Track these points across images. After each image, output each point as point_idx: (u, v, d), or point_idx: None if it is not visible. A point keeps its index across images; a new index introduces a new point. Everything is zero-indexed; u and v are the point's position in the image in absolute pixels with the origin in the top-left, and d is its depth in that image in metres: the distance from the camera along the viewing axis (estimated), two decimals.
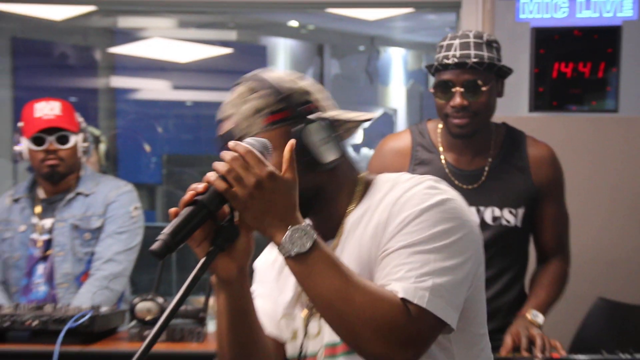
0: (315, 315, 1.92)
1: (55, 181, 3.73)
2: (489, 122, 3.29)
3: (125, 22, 7.73)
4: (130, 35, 7.77)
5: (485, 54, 3.15)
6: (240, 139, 1.78)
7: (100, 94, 7.88)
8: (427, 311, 1.70)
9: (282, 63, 8.58)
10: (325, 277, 1.70)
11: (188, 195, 1.66)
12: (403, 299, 1.70)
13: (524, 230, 3.32)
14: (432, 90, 3.26)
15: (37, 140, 3.65)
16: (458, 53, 3.14)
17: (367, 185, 1.95)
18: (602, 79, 4.47)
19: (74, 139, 3.70)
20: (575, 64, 4.46)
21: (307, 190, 1.82)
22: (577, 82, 4.47)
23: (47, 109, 3.67)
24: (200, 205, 1.64)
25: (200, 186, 1.66)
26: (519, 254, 3.37)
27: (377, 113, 9.16)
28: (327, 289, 1.70)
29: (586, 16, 4.47)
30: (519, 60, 4.49)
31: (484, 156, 3.30)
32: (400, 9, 5.89)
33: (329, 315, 1.74)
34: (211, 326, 3.32)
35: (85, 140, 3.77)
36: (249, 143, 1.72)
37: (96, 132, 4.79)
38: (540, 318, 3.18)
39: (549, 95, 4.48)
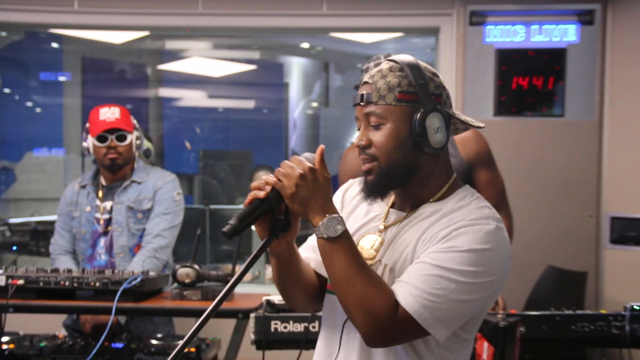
0: None
1: (114, 171, 3.75)
2: None
3: (171, 44, 7.74)
4: (175, 55, 7.77)
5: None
6: (373, 103, 1.81)
7: (150, 102, 7.89)
8: (414, 320, 1.70)
9: (295, 77, 8.57)
10: (342, 261, 1.73)
11: (261, 193, 1.72)
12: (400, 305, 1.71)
13: None
14: None
15: (101, 139, 3.68)
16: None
17: (452, 187, 1.90)
18: (552, 90, 4.46)
19: (130, 137, 3.73)
20: (530, 78, 4.46)
21: (407, 166, 1.83)
22: (532, 92, 4.46)
23: (109, 113, 3.71)
24: (263, 201, 1.71)
25: (267, 187, 1.73)
26: None
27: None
28: (340, 270, 1.73)
29: (539, 40, 4.48)
30: (485, 74, 4.48)
31: None
32: (390, 33, 5.88)
33: (336, 290, 1.77)
34: (237, 288, 3.31)
35: (138, 138, 3.80)
36: (304, 156, 1.78)
37: (147, 144, 4.81)
38: None
39: (509, 103, 4.47)
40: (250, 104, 8.51)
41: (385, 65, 1.85)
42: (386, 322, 1.70)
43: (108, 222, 3.75)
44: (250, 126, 8.57)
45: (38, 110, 7.50)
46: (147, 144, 4.66)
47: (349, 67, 8.53)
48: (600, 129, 4.42)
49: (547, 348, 3.21)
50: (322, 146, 1.79)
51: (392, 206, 1.94)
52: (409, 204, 1.90)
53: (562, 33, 4.45)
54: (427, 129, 1.79)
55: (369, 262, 1.85)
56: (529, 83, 4.47)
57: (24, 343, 3.25)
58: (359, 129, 1.87)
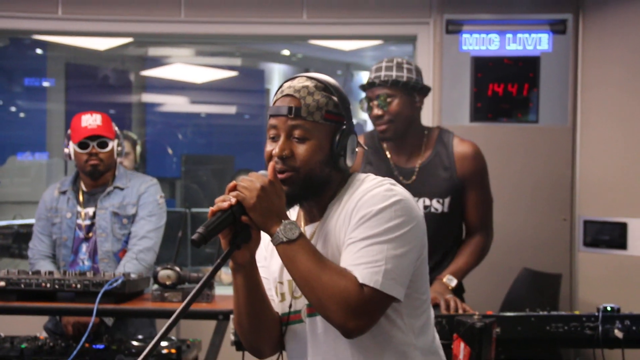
0: None
1: (95, 178, 3.69)
2: (413, 129, 3.28)
3: (154, 51, 7.73)
4: (157, 61, 7.75)
5: (393, 73, 3.17)
6: (302, 118, 1.86)
7: (133, 107, 7.85)
8: (379, 291, 1.76)
9: (276, 83, 8.56)
10: (304, 260, 1.78)
11: (225, 203, 1.76)
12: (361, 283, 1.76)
13: (451, 214, 3.30)
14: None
15: (82, 145, 3.62)
16: (374, 75, 3.21)
17: (346, 181, 1.97)
18: (526, 97, 4.48)
19: (111, 144, 3.67)
20: (505, 85, 4.47)
21: (322, 180, 1.91)
22: (507, 99, 4.47)
23: (91, 120, 3.64)
24: (226, 212, 1.76)
25: (233, 200, 1.77)
26: (448, 235, 3.34)
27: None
28: (303, 269, 1.78)
29: (513, 48, 4.50)
30: (462, 82, 4.49)
31: (417, 156, 3.30)
32: (369, 41, 5.89)
33: (304, 289, 1.81)
34: (217, 290, 3.30)
35: (119, 144, 3.75)
36: (261, 173, 1.83)
37: (134, 136, 4.76)
38: (454, 282, 3.17)
39: (485, 109, 4.47)
40: (232, 109, 8.51)
41: (309, 82, 1.91)
42: (357, 302, 1.75)
43: (90, 228, 3.70)
44: (232, 131, 8.56)
45: (22, 115, 7.44)
46: (139, 147, 4.64)
47: (329, 73, 8.40)
48: (574, 135, 4.43)
49: (522, 348, 3.20)
50: (273, 162, 1.85)
51: (305, 223, 2.00)
52: (317, 211, 1.97)
53: (536, 42, 4.46)
54: (347, 149, 1.90)
55: None
56: (504, 90, 4.48)
57: (4, 345, 3.19)
58: (272, 137, 1.90)
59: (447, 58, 4.49)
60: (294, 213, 2.02)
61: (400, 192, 1.86)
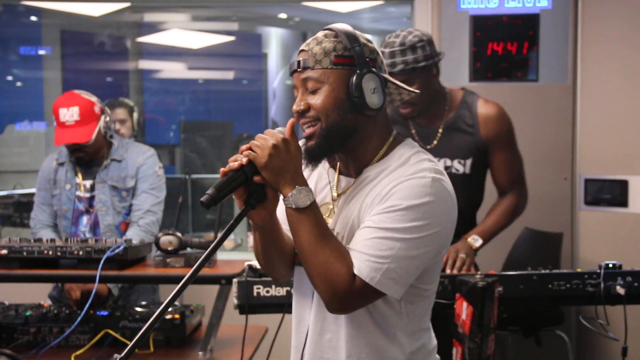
0: None
1: (82, 165, 3.67)
2: (434, 98, 3.24)
3: (150, 16, 7.65)
4: (154, 27, 7.69)
5: (409, 57, 3.08)
6: (310, 68, 1.82)
7: (130, 74, 7.80)
8: (371, 286, 1.74)
9: (274, 48, 8.51)
10: (307, 232, 1.76)
11: (235, 163, 1.73)
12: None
13: (472, 176, 3.30)
14: None
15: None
16: (388, 61, 3.07)
17: (393, 144, 1.92)
18: (526, 55, 4.45)
19: (93, 134, 3.57)
20: (504, 44, 4.44)
21: (346, 128, 1.85)
22: (506, 58, 4.45)
23: (67, 116, 3.52)
24: (238, 172, 1.72)
25: (244, 159, 1.73)
26: (468, 198, 3.35)
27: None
28: (305, 240, 1.76)
29: (512, 6, 4.46)
30: (460, 41, 4.46)
31: (440, 118, 3.28)
32: (366, 2, 5.84)
33: (301, 258, 1.80)
34: (219, 255, 3.30)
35: (106, 122, 3.65)
36: (278, 130, 1.79)
37: (130, 103, 4.72)
38: (478, 242, 3.17)
39: (484, 68, 4.45)
40: (229, 75, 8.47)
41: (320, 33, 1.88)
42: (344, 291, 1.74)
43: (91, 200, 3.69)
44: (230, 97, 8.52)
45: (19, 84, 7.40)
46: (136, 114, 4.61)
47: None
48: (574, 93, 4.42)
49: (524, 306, 3.22)
50: (292, 119, 1.81)
51: (340, 173, 1.97)
52: (353, 168, 1.93)
53: None
54: (364, 91, 1.81)
55: None
56: (503, 49, 4.45)
57: (9, 312, 3.22)
58: (295, 97, 1.88)
59: (445, 17, 4.46)
60: (326, 166, 2.00)
61: (438, 191, 1.78)
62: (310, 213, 1.76)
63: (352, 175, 1.93)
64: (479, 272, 2.93)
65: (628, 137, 4.30)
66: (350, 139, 1.86)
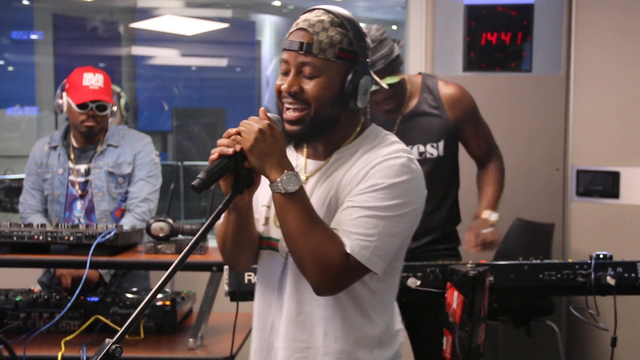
0: None
1: (89, 138, 3.65)
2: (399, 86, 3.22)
3: (144, 2, 7.65)
4: (147, 13, 7.66)
5: (384, 51, 3.05)
6: (313, 55, 1.81)
7: (123, 60, 7.78)
8: (361, 264, 1.77)
9: (268, 35, 8.50)
10: (297, 216, 1.76)
11: (229, 150, 1.72)
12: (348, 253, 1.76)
13: (446, 158, 3.29)
14: None
15: (82, 105, 3.54)
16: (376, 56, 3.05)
17: (362, 129, 1.95)
18: (520, 45, 4.45)
19: (109, 108, 3.61)
20: (498, 34, 4.44)
21: (331, 119, 1.87)
22: (500, 48, 4.44)
23: (93, 80, 3.55)
24: (230, 157, 1.72)
25: (238, 147, 1.73)
26: (444, 178, 3.34)
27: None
28: (294, 224, 1.76)
29: None
30: (454, 30, 4.45)
31: (405, 104, 3.26)
32: None
33: (289, 243, 1.81)
34: (210, 242, 3.29)
35: (113, 104, 3.68)
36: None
37: (117, 89, 4.70)
38: (494, 216, 3.20)
39: (478, 58, 4.45)
40: (223, 62, 8.45)
41: (325, 17, 1.84)
42: (338, 271, 1.76)
43: (84, 185, 3.66)
44: (223, 84, 8.51)
45: (10, 69, 7.37)
46: (122, 100, 4.58)
47: None
48: (567, 84, 4.42)
49: (515, 296, 3.23)
50: (262, 108, 1.81)
51: (308, 157, 1.98)
52: (323, 151, 1.94)
53: None
54: (359, 90, 1.85)
55: None
56: (497, 39, 4.45)
57: None
58: (283, 72, 1.86)
59: (439, 6, 4.45)
60: (290, 149, 2.00)
61: (415, 169, 1.85)
62: (299, 197, 1.76)
63: (320, 158, 1.95)
64: (470, 262, 2.94)
65: (620, 129, 4.31)
66: (331, 129, 1.89)
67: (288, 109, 1.85)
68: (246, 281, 2.89)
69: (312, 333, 1.90)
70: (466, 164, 3.42)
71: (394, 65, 3.11)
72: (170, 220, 3.18)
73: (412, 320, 3.37)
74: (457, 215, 3.41)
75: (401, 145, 1.89)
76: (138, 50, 8.03)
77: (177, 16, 7.65)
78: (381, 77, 3.02)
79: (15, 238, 3.02)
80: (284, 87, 1.84)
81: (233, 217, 1.88)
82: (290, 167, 1.77)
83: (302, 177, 1.93)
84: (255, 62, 8.39)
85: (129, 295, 3.23)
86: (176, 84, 8.34)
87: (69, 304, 3.00)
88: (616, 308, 2.88)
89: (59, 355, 2.87)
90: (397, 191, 1.79)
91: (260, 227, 1.97)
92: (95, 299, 3.17)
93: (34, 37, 7.13)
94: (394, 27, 7.16)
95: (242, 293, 2.87)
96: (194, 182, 1.67)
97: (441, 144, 3.26)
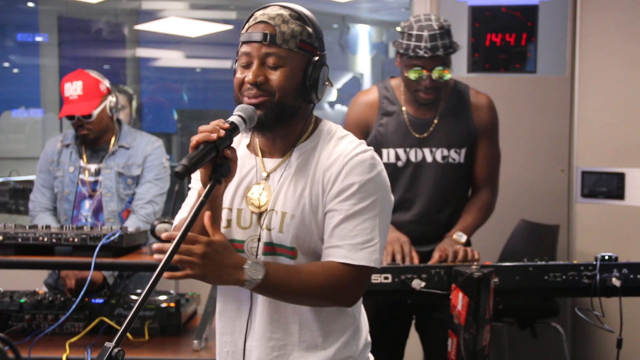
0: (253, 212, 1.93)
1: (90, 144, 3.65)
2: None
3: (148, 4, 7.65)
4: (151, 15, 7.67)
5: (447, 42, 3.12)
6: (276, 45, 1.83)
7: (127, 62, 7.78)
8: (368, 267, 1.84)
9: None
10: (285, 288, 1.80)
11: (213, 135, 1.71)
12: (347, 264, 1.82)
13: (466, 165, 3.30)
14: (399, 66, 3.22)
15: (68, 117, 3.57)
16: (429, 45, 3.08)
17: (316, 123, 1.98)
18: (524, 47, 4.43)
19: (96, 111, 3.56)
20: (503, 35, 4.42)
21: (291, 109, 1.88)
22: (505, 49, 4.43)
23: (71, 90, 3.55)
24: (211, 145, 1.71)
25: (222, 132, 1.72)
26: (462, 186, 3.35)
27: (346, 77, 9.17)
28: (293, 288, 1.81)
29: None
30: (459, 32, 4.42)
31: (436, 108, 3.27)
32: None
33: (301, 302, 1.87)
34: None
35: (112, 102, 3.65)
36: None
37: (130, 90, 4.72)
38: (463, 238, 3.17)
39: (483, 59, 4.43)
40: (227, 64, 8.42)
41: (283, 11, 1.88)
42: (352, 290, 1.86)
43: (94, 185, 3.66)
44: (227, 86, 8.45)
45: (15, 71, 7.38)
46: (135, 102, 4.59)
47: (324, 26, 8.44)
48: (572, 85, 4.40)
49: (520, 298, 3.22)
50: (208, 212, 1.76)
51: (263, 156, 1.98)
52: (280, 147, 1.95)
53: None
54: (319, 81, 1.89)
55: (261, 211, 1.90)
56: (501, 40, 4.43)
57: (4, 299, 3.21)
58: (244, 65, 1.87)
59: (444, 8, 4.43)
60: (239, 141, 2.01)
61: (378, 161, 1.90)
62: (272, 276, 1.77)
63: (276, 155, 1.95)
64: (475, 263, 2.93)
65: (625, 130, 4.29)
66: (289, 120, 1.89)
67: (250, 97, 1.85)
68: None
69: (287, 330, 1.92)
70: None
71: (450, 59, 3.15)
72: (174, 221, 3.17)
73: (420, 320, 3.37)
74: None
75: (355, 138, 1.94)
76: (142, 52, 8.03)
77: (181, 18, 7.65)
78: (438, 65, 3.10)
79: (20, 240, 3.03)
80: (248, 78, 1.85)
81: (205, 209, 1.82)
82: (243, 260, 1.75)
83: (263, 173, 1.94)
84: None
85: (134, 297, 3.23)
86: (180, 86, 8.35)
87: (74, 306, 3.00)
88: (622, 309, 2.87)
89: (64, 356, 2.87)
90: (374, 185, 1.85)
91: (222, 230, 1.94)
92: (100, 300, 3.17)
93: (39, 39, 7.14)
94: (398, 29, 7.15)
95: None
96: (177, 169, 1.65)
97: (463, 151, 3.27)
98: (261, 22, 1.86)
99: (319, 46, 1.90)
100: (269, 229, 1.89)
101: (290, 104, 1.86)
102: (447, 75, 3.12)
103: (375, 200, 1.84)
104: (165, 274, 1.64)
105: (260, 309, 1.91)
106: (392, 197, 1.95)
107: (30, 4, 6.93)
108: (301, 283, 1.80)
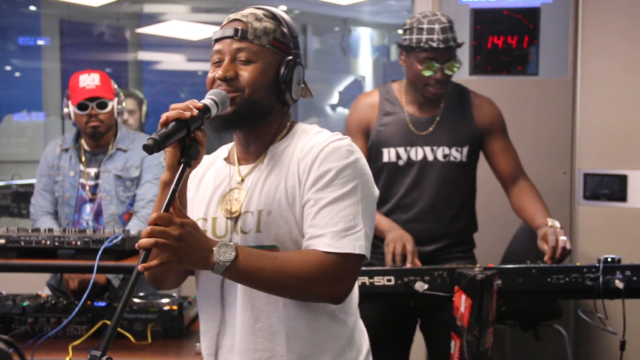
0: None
1: (96, 139, 3.65)
2: None
3: (150, 7, 7.66)
4: (153, 18, 7.69)
5: (455, 35, 3.19)
6: (248, 40, 1.81)
7: (129, 65, 7.81)
8: (354, 254, 1.74)
9: None
10: (261, 269, 1.68)
11: (187, 113, 1.66)
12: (330, 252, 1.73)
13: (468, 164, 3.31)
14: (404, 64, 3.23)
15: (82, 107, 3.57)
16: (442, 37, 3.12)
17: (291, 126, 1.94)
18: (526, 49, 4.43)
19: (111, 104, 3.62)
20: (505, 37, 4.42)
21: (264, 107, 1.84)
22: (507, 51, 4.43)
23: (89, 80, 3.59)
24: (183, 124, 1.66)
25: (195, 111, 1.67)
26: (466, 185, 3.36)
27: (348, 80, 9.17)
28: (266, 274, 1.69)
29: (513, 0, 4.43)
30: (460, 34, 4.41)
31: (437, 106, 3.29)
32: None
33: (278, 291, 1.75)
34: None
35: (119, 103, 3.69)
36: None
37: (140, 95, 4.73)
38: (557, 222, 3.13)
39: (484, 62, 4.43)
40: None
41: (258, 11, 1.87)
42: (336, 272, 1.73)
43: (94, 188, 3.67)
44: None
45: (17, 74, 7.39)
46: (145, 106, 4.59)
47: (327, 29, 8.48)
48: (574, 87, 4.40)
49: (523, 300, 3.21)
50: (175, 203, 1.66)
51: (240, 164, 1.93)
52: (255, 150, 1.91)
53: None
54: (293, 80, 1.85)
55: (235, 216, 1.84)
56: (503, 42, 4.44)
57: (6, 302, 3.21)
58: (215, 63, 1.86)
59: (445, 10, 4.43)
60: (217, 156, 1.99)
61: (357, 149, 1.85)
62: (243, 260, 1.67)
63: (251, 160, 1.91)
64: (478, 265, 2.93)
65: (628, 132, 4.29)
66: (262, 119, 1.86)
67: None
68: None
69: (274, 340, 1.83)
70: (481, 176, 3.44)
71: (454, 53, 3.19)
72: None
73: (425, 322, 3.37)
74: (475, 223, 3.44)
75: (332, 132, 1.89)
76: (144, 56, 8.05)
77: (183, 21, 7.67)
78: (448, 58, 3.14)
79: (22, 243, 3.02)
80: (218, 74, 1.82)
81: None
82: (214, 243, 1.68)
83: (237, 178, 1.90)
84: None
85: (136, 300, 3.23)
86: (182, 89, 8.35)
87: (77, 309, 3.00)
88: (625, 311, 2.87)
89: None
90: (354, 170, 1.78)
91: None
92: (103, 303, 3.17)
93: (40, 42, 7.16)
94: (400, 32, 7.16)
95: None
96: (147, 142, 1.59)
97: (465, 150, 3.28)
98: (234, 20, 1.86)
99: (294, 46, 1.89)
100: (245, 233, 1.83)
101: (262, 101, 1.82)
102: (457, 67, 3.17)
103: (355, 186, 1.77)
104: (140, 267, 1.60)
105: (241, 320, 1.84)
106: (376, 188, 1.87)
107: (32, 8, 6.95)
108: (275, 269, 1.69)
